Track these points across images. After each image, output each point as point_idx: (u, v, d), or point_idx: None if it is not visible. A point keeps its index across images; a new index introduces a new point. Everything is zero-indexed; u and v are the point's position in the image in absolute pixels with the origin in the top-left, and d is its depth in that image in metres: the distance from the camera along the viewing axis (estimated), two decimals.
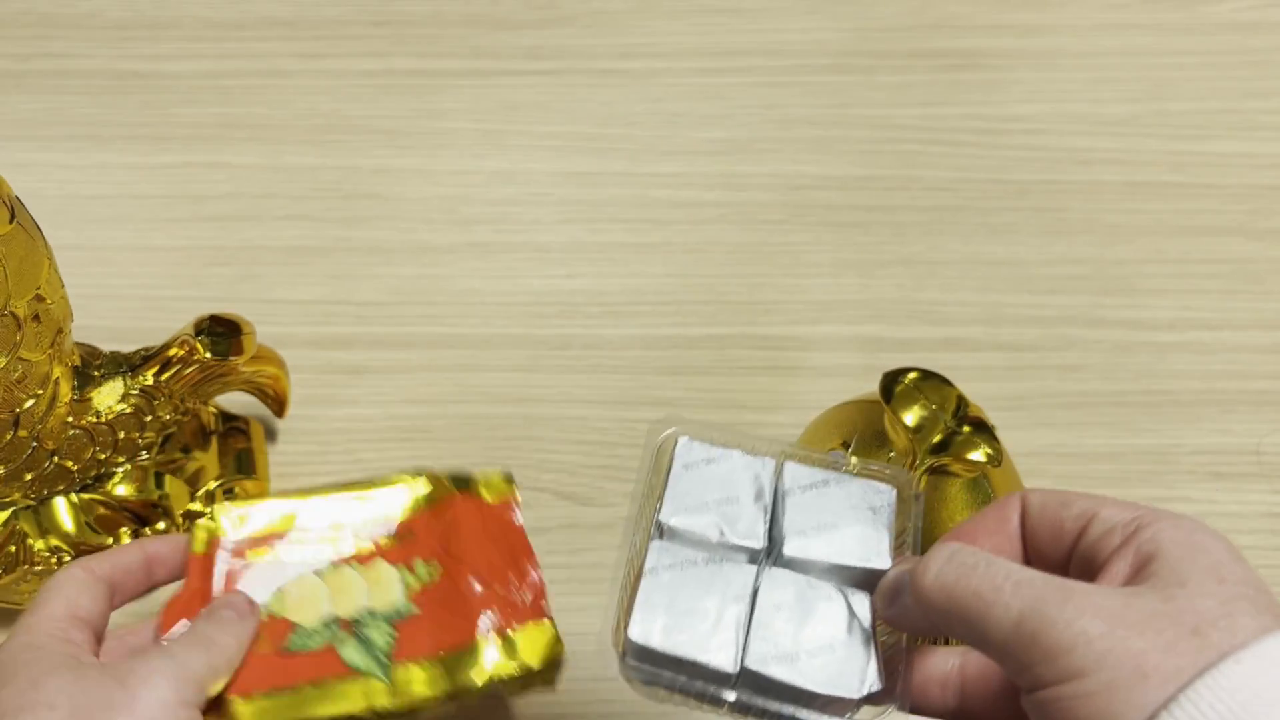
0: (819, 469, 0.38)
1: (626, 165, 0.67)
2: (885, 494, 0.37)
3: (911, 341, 0.60)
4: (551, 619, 0.42)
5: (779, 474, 0.38)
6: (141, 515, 0.51)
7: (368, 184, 0.66)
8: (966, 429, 0.46)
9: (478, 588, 0.42)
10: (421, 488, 0.45)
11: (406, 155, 0.67)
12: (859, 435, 0.50)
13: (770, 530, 0.36)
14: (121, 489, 0.51)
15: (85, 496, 0.50)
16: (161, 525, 0.51)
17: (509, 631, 0.41)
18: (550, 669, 0.42)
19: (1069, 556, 0.32)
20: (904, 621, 0.33)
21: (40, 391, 0.45)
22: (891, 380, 0.47)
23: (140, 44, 0.71)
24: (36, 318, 0.43)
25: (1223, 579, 0.28)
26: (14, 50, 0.71)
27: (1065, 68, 0.71)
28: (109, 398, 0.49)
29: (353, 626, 0.40)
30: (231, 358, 0.50)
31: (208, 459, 0.53)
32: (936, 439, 0.46)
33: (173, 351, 0.49)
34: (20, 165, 0.63)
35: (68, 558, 0.49)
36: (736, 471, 0.37)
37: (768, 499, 0.37)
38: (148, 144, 0.67)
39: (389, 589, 0.41)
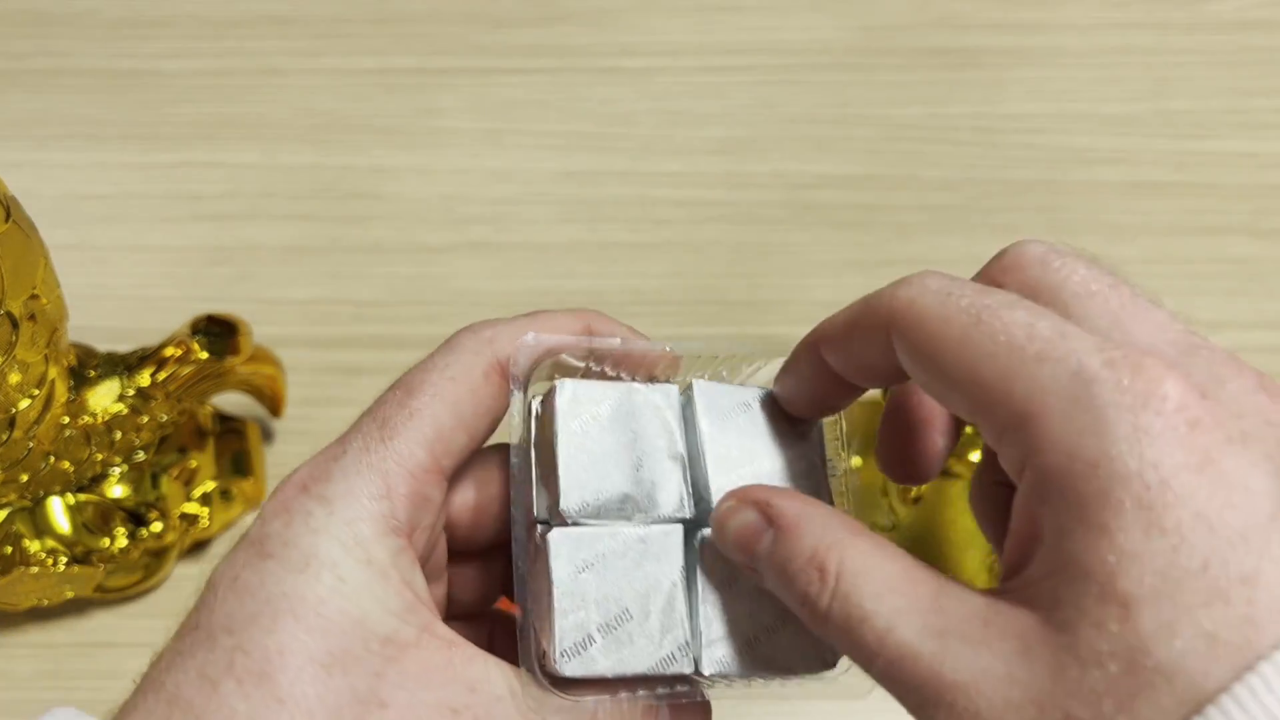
0: (734, 388, 0.30)
1: (626, 164, 0.66)
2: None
3: None
4: None
5: (689, 403, 0.30)
6: (137, 516, 0.50)
7: (365, 183, 0.65)
8: (969, 429, 0.46)
9: None
10: None
11: (404, 154, 0.67)
12: (860, 436, 0.50)
13: (693, 486, 0.29)
14: (118, 490, 0.50)
15: (81, 497, 0.50)
16: (158, 527, 0.50)
17: None
18: None
19: None
20: None
21: (36, 392, 0.44)
22: None
23: (137, 42, 0.71)
24: (32, 318, 0.43)
25: None
26: (9, 49, 0.70)
27: (1067, 66, 0.71)
28: (105, 398, 0.48)
29: None
30: (228, 358, 0.50)
31: (204, 460, 0.53)
32: None
33: (169, 352, 0.49)
34: (16, 164, 0.63)
35: (64, 559, 0.49)
36: (639, 413, 0.29)
37: (680, 446, 0.29)
38: (144, 143, 0.67)
39: None
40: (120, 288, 0.61)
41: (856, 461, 0.50)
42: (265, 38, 0.71)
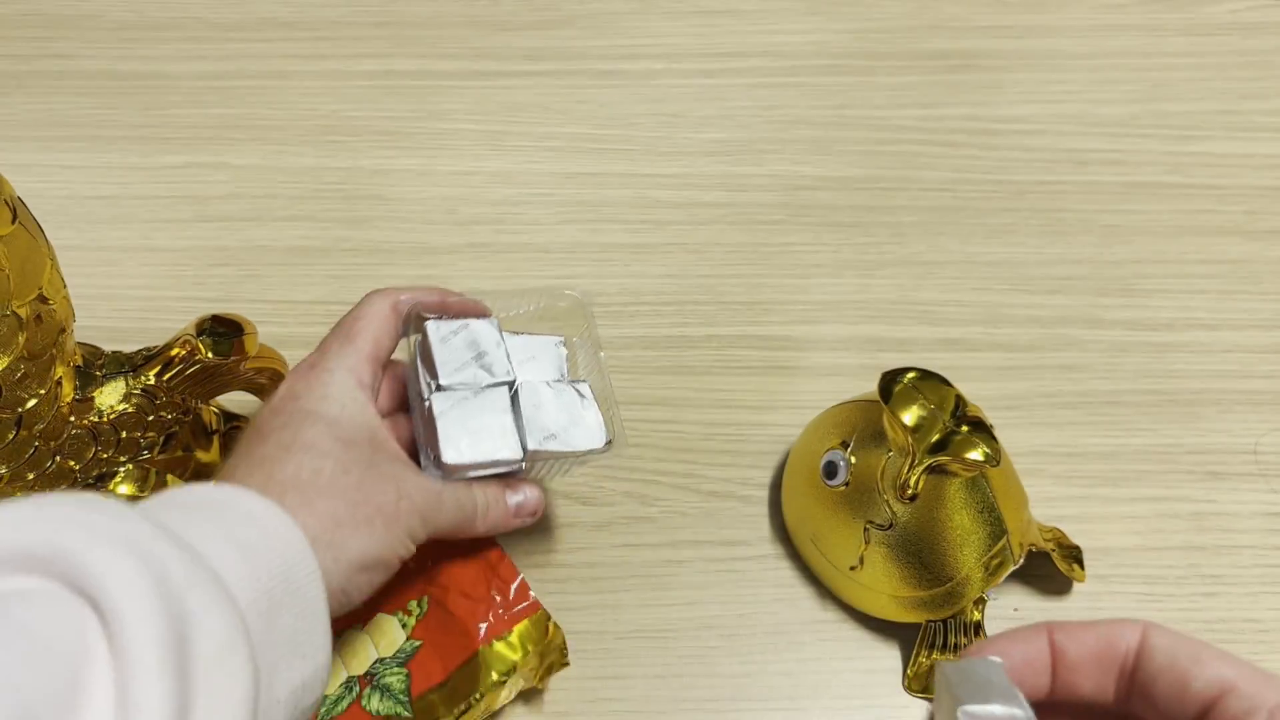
0: (512, 335, 0.51)
1: (626, 166, 0.67)
2: (556, 344, 0.52)
3: (910, 341, 0.60)
4: (540, 605, 0.46)
5: (500, 329, 0.51)
6: None
7: (369, 185, 0.66)
8: (965, 428, 0.46)
9: (466, 603, 0.46)
10: None
11: (407, 156, 0.67)
12: (858, 435, 0.50)
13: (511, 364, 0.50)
14: (123, 488, 0.51)
15: None
16: None
17: (507, 633, 0.44)
18: (556, 649, 0.45)
19: None
20: None
21: (43, 391, 0.45)
22: (890, 380, 0.48)
23: (142, 45, 0.71)
24: (39, 318, 0.43)
25: None
26: (16, 51, 0.71)
27: (1063, 69, 0.71)
28: (111, 397, 0.49)
29: (370, 680, 0.45)
30: (233, 358, 0.50)
31: (209, 458, 0.53)
32: (935, 438, 0.46)
33: (175, 351, 0.49)
34: (23, 166, 0.64)
35: None
36: (479, 332, 0.50)
37: (503, 345, 0.50)
38: (150, 145, 0.67)
39: (392, 635, 0.46)
40: (126, 288, 0.61)
41: (855, 460, 0.50)
42: (269, 41, 0.72)
